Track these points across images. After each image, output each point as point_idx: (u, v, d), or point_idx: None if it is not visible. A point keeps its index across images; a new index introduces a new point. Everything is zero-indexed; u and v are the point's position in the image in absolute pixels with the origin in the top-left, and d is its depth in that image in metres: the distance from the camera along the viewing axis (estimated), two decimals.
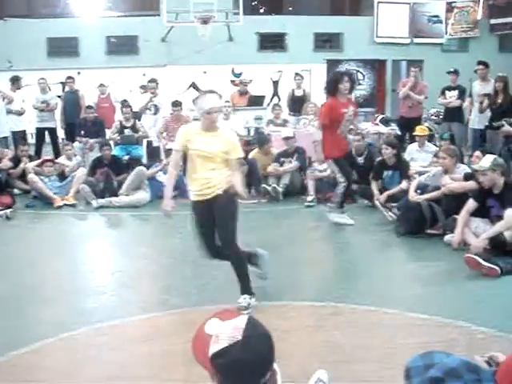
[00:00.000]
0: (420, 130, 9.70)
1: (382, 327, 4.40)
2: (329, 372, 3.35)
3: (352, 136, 10.01)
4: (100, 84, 12.94)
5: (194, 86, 17.93)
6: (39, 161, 9.75)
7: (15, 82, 11.99)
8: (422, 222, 6.70)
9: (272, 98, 17.35)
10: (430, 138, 10.43)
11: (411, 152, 9.51)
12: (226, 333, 1.76)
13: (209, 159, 4.73)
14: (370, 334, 4.24)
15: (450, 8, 18.03)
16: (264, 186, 9.06)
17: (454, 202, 6.54)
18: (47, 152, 11.81)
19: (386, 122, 10.78)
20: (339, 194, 7.39)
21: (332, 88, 7.28)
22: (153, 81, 11.78)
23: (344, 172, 7.36)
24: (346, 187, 7.38)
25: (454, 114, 11.01)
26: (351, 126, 7.89)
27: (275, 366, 1.82)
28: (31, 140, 12.83)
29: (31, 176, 9.16)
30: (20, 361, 3.90)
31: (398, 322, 4.47)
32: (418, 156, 9.41)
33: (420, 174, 7.87)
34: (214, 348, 1.74)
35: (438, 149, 9.61)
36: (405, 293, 5.13)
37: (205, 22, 14.36)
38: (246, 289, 4.77)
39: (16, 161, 9.81)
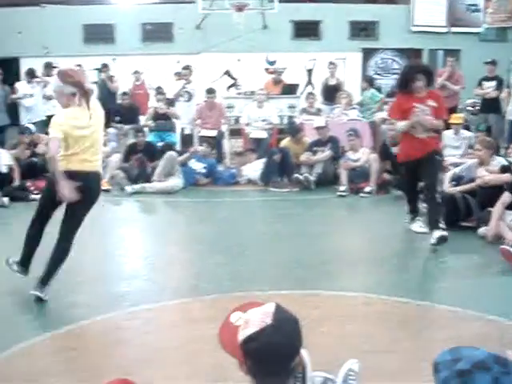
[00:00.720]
0: (455, 118, 9.59)
1: (412, 319, 4.38)
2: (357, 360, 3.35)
3: (386, 126, 9.97)
4: (135, 71, 13.05)
5: (227, 73, 17.95)
6: None
7: (47, 68, 12.13)
8: (456, 214, 6.63)
9: (306, 86, 17.26)
10: (466, 128, 10.29)
11: (446, 139, 9.41)
12: (255, 318, 1.78)
13: None
14: (401, 325, 4.23)
15: None
16: (296, 175, 9.05)
17: (488, 194, 6.46)
18: None
19: None
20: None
21: (401, 83, 6.38)
22: (187, 68, 11.83)
23: (402, 181, 6.81)
24: (408, 198, 6.69)
25: (490, 106, 10.86)
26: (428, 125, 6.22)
27: (304, 352, 1.84)
28: None
29: None
30: (57, 341, 4.00)
31: (429, 315, 4.45)
32: (453, 143, 9.33)
33: (455, 165, 7.78)
34: (243, 333, 1.76)
35: (473, 134, 9.52)
36: (437, 285, 5.11)
37: (240, 9, 14.32)
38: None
39: None
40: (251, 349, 1.74)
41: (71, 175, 4.50)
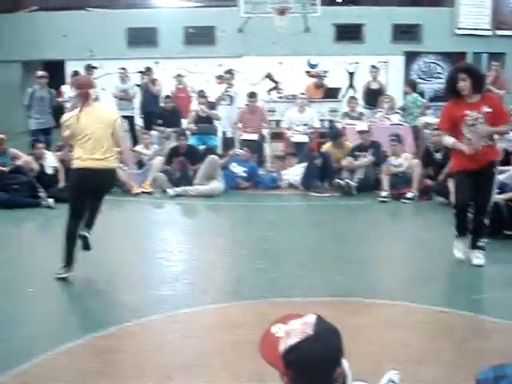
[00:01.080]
0: None
1: (454, 329, 4.33)
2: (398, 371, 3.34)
3: (429, 131, 9.86)
4: (177, 74, 13.20)
5: (269, 76, 17.99)
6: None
7: (88, 69, 12.34)
8: (500, 223, 6.52)
9: (347, 89, 17.21)
10: None
11: None
12: (296, 329, 1.79)
13: None
14: (442, 335, 4.19)
15: None
16: (337, 180, 9.03)
17: None
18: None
19: None
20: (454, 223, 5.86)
21: (448, 87, 5.71)
22: (229, 72, 11.90)
23: (456, 195, 5.83)
24: (457, 214, 5.78)
25: None
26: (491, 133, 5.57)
27: (345, 362, 1.85)
28: None
29: None
30: (99, 343, 4.07)
31: (471, 325, 4.40)
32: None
33: (500, 172, 7.64)
34: (285, 344, 1.77)
35: None
36: (479, 295, 5.03)
37: (282, 12, 14.37)
38: None
39: None
40: (292, 359, 1.75)
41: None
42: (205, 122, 11.05)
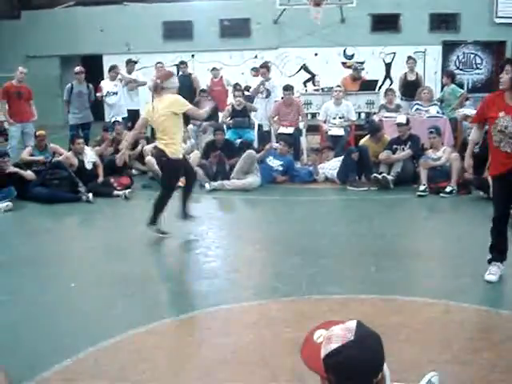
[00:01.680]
0: None
1: (494, 329, 4.29)
2: (435, 372, 3.33)
3: (468, 123, 9.70)
4: (213, 68, 13.25)
5: (304, 67, 17.94)
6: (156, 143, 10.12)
7: (128, 64, 12.46)
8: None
9: (384, 80, 17.06)
10: None
11: None
12: (337, 334, 1.80)
13: None
14: (482, 335, 4.16)
15: None
16: (375, 174, 8.95)
17: None
18: None
19: None
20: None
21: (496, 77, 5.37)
22: (264, 66, 11.86)
23: (494, 201, 5.28)
24: (494, 227, 5.23)
25: None
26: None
27: (385, 365, 1.85)
28: None
29: (149, 158, 9.54)
30: (139, 340, 4.14)
31: (510, 324, 4.34)
32: None
33: None
34: (327, 349, 1.78)
35: None
36: None
37: (317, 4, 14.25)
38: None
39: (134, 142, 10.24)
40: (334, 364, 1.76)
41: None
42: (241, 115, 11.07)
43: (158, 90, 6.45)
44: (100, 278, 5.47)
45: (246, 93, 11.97)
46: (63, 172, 8.72)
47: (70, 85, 11.38)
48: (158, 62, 12.70)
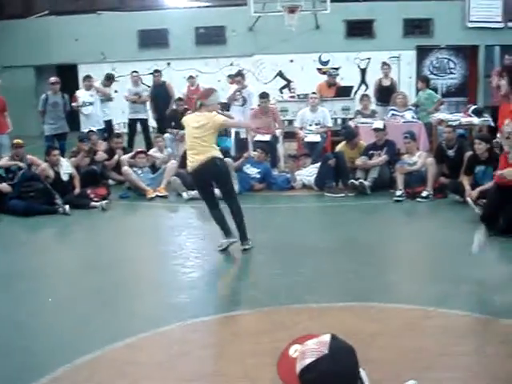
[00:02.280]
0: None
1: (472, 334, 4.33)
2: (415, 379, 3.34)
3: (442, 127, 9.80)
4: (189, 76, 13.23)
5: (280, 74, 18.00)
6: (133, 153, 10.09)
7: (108, 79, 12.39)
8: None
9: (359, 86, 17.17)
10: None
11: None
12: (312, 348, 1.80)
13: None
14: (461, 340, 4.17)
15: None
16: (352, 180, 8.99)
17: None
18: (138, 142, 12.22)
19: (478, 112, 10.43)
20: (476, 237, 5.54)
21: None
22: (238, 74, 11.86)
23: (485, 206, 5.46)
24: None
25: None
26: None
27: (363, 372, 1.85)
28: (123, 129, 13.31)
29: (125, 168, 9.50)
30: (117, 355, 4.10)
31: (489, 329, 4.38)
32: None
33: None
34: (301, 364, 1.78)
35: None
36: (497, 297, 4.99)
37: (292, 11, 14.30)
38: None
39: (110, 152, 10.19)
40: (309, 379, 1.75)
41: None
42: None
43: (198, 108, 6.46)
44: (77, 292, 5.42)
45: (222, 100, 11.95)
46: (39, 184, 8.64)
47: (44, 95, 11.28)
48: (134, 71, 12.65)
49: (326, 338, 1.81)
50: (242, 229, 6.40)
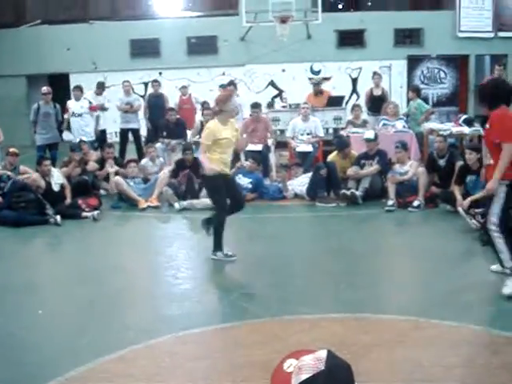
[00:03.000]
0: None
1: (464, 344, 4.32)
2: None
3: (434, 136, 9.84)
4: (182, 86, 13.24)
5: (272, 84, 18.06)
6: (117, 168, 9.96)
7: (100, 87, 12.41)
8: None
9: (350, 95, 17.24)
10: None
11: None
12: (308, 364, 1.79)
13: None
14: (452, 351, 4.17)
15: None
16: (343, 191, 9.00)
17: None
18: (129, 151, 12.21)
19: (469, 122, 10.48)
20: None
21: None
22: (231, 83, 11.88)
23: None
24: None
25: None
26: None
27: None
28: (115, 138, 13.30)
29: (117, 178, 9.47)
30: (108, 368, 4.07)
31: (481, 340, 4.39)
32: None
33: None
34: (297, 379, 1.76)
35: None
36: (489, 308, 5.01)
37: (283, 21, 14.40)
38: None
39: (102, 162, 10.17)
40: None
41: None
42: None
43: (218, 113, 6.52)
44: (68, 303, 5.39)
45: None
46: (30, 194, 8.59)
47: (36, 105, 11.27)
48: (126, 81, 12.64)
49: (323, 353, 1.80)
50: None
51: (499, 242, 5.25)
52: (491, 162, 5.29)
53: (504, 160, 5.06)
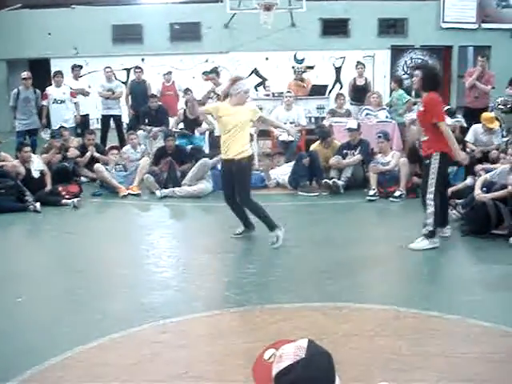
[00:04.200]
0: (489, 121, 9.45)
1: (443, 334, 4.35)
2: (387, 381, 3.35)
3: (415, 127, 9.86)
4: (167, 72, 13.12)
5: (255, 72, 17.98)
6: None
7: (74, 69, 12.26)
8: (488, 222, 6.55)
9: (334, 84, 17.24)
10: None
11: (475, 133, 9.40)
12: (288, 352, 1.79)
13: None
14: (431, 341, 4.20)
15: None
16: (325, 180, 9.01)
17: None
18: (111, 137, 12.12)
19: (451, 113, 10.50)
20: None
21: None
22: (213, 71, 11.81)
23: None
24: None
25: None
26: None
27: (337, 380, 1.84)
28: (97, 125, 13.18)
29: (97, 166, 9.40)
30: (87, 356, 4.04)
31: (460, 330, 4.41)
32: (483, 138, 9.40)
33: (486, 171, 7.69)
34: (278, 367, 1.77)
35: (499, 128, 9.49)
36: (467, 297, 5.03)
37: (267, 8, 14.29)
38: None
39: (83, 149, 10.08)
40: (285, 382, 1.75)
41: None
42: (193, 125, 10.99)
43: (226, 96, 6.47)
44: (47, 291, 5.34)
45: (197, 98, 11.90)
46: (9, 181, 8.49)
47: (16, 90, 11.13)
48: (107, 67, 12.51)
49: (304, 342, 1.80)
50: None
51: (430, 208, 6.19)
52: (426, 138, 6.29)
53: (448, 135, 6.11)
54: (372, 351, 4.05)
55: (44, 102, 11.24)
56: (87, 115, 12.26)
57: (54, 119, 11.29)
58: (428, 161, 6.21)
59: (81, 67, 12.77)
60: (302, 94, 12.00)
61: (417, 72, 6.42)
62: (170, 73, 13.13)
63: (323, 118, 11.49)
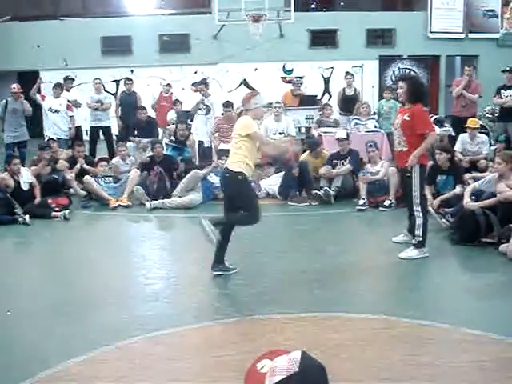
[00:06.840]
0: (471, 123, 9.59)
1: (434, 343, 4.36)
2: None
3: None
4: (167, 83, 13.19)
5: (244, 82, 18.03)
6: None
7: (66, 81, 12.27)
8: (477, 230, 6.58)
9: (323, 94, 17.31)
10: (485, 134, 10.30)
11: (463, 142, 9.48)
12: (282, 365, 1.78)
13: None
14: (422, 350, 4.21)
15: (505, 2, 17.64)
16: (316, 191, 9.03)
17: (509, 210, 6.43)
18: (100, 149, 12.09)
19: (439, 122, 10.59)
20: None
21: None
22: (202, 82, 11.82)
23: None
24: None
25: (510, 114, 10.71)
26: None
27: None
28: (86, 137, 13.14)
29: (87, 178, 9.37)
30: (79, 369, 4.01)
31: (450, 338, 4.43)
32: (470, 147, 9.45)
33: (475, 179, 7.74)
34: (270, 381, 1.76)
35: (487, 137, 9.61)
36: (458, 306, 5.07)
37: (256, 20, 14.41)
38: None
39: (72, 161, 10.04)
40: None
41: None
42: (183, 143, 10.97)
43: (242, 113, 6.19)
44: (37, 304, 5.30)
45: (186, 109, 11.93)
46: None
47: (4, 101, 11.07)
48: (96, 78, 12.51)
49: (297, 355, 1.79)
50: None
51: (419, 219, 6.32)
52: (405, 149, 6.26)
53: (427, 145, 6.22)
54: (364, 361, 4.05)
55: (40, 101, 11.24)
56: (79, 127, 12.24)
57: (48, 126, 11.25)
58: (408, 174, 6.25)
59: (73, 80, 12.78)
60: (295, 104, 12.03)
61: (401, 83, 6.36)
62: (169, 85, 13.19)
63: (308, 129, 11.52)
